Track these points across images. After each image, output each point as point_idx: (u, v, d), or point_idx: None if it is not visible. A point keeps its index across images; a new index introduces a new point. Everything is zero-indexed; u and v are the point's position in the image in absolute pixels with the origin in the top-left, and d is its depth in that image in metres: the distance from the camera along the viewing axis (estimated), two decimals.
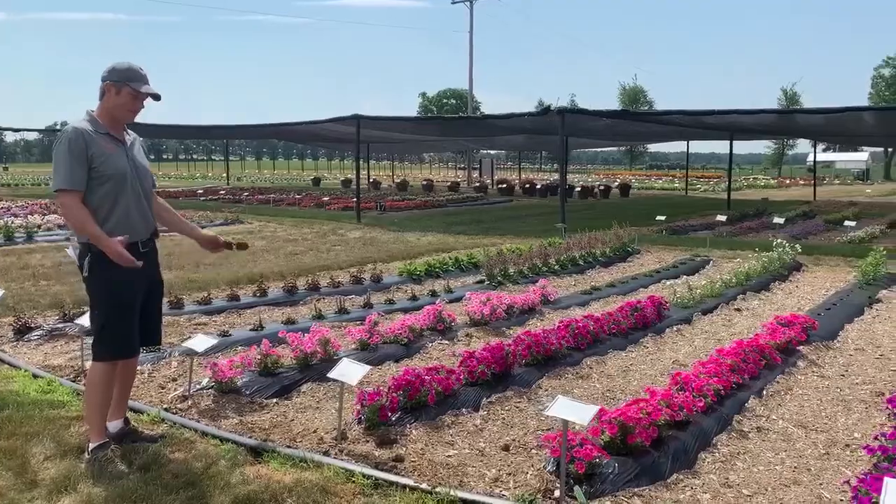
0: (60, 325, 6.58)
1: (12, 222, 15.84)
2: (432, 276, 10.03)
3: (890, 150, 75.64)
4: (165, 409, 4.62)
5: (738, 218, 19.45)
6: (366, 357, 5.68)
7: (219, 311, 7.60)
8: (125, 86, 3.78)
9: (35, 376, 5.38)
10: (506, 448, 4.01)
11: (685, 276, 10.42)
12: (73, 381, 5.27)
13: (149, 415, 4.52)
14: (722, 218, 16.03)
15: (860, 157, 78.85)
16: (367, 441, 4.05)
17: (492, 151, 48.04)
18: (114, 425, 4.08)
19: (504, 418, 4.53)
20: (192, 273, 10.29)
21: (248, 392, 4.85)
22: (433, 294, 8.52)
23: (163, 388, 5.13)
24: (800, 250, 10.75)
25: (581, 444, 3.52)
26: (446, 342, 6.40)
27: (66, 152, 3.64)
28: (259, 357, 5.05)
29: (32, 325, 6.53)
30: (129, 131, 4.00)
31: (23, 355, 5.98)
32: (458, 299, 8.55)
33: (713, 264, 11.51)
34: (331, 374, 4.01)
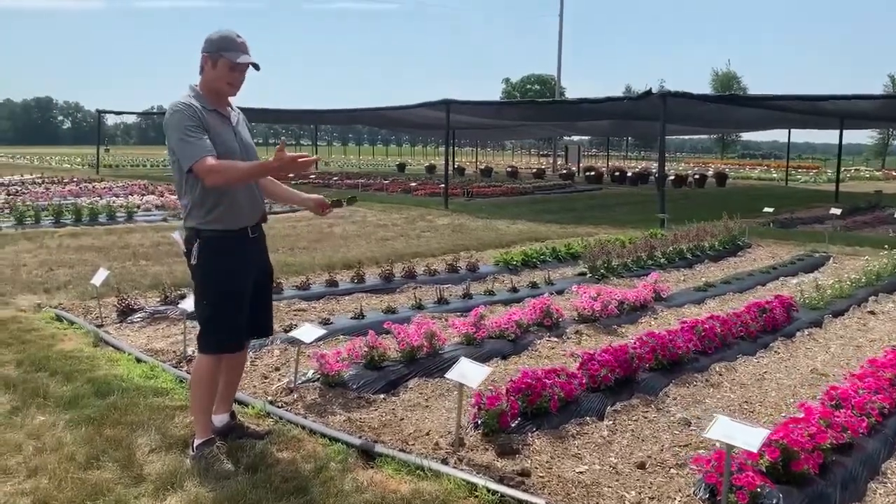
0: (162, 308, 6.52)
1: (114, 202, 16.31)
2: (529, 267, 9.63)
3: None
4: (271, 402, 4.41)
5: (850, 211, 18.18)
6: (472, 353, 5.35)
7: (317, 296, 7.43)
8: (220, 56, 3.48)
9: (138, 360, 5.30)
10: (641, 466, 3.60)
11: (803, 274, 9.67)
12: (176, 367, 5.15)
13: (254, 408, 4.32)
14: (836, 211, 14.92)
15: None
16: (487, 449, 3.71)
17: (575, 138, 46.95)
18: (220, 419, 3.88)
19: (633, 430, 4.10)
20: (289, 256, 10.23)
21: (354, 386, 4.60)
22: (533, 286, 8.12)
23: (266, 378, 4.94)
24: None
25: (740, 469, 3.07)
26: (555, 339, 6.00)
27: (183, 126, 3.35)
28: (366, 349, 4.79)
29: (135, 307, 6.50)
30: (233, 107, 3.72)
31: (126, 337, 5.93)
32: (560, 292, 8.12)
33: (833, 261, 10.65)
34: (450, 375, 3.69)
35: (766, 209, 15.57)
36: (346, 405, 4.40)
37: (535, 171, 38.38)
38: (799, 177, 42.92)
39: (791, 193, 27.88)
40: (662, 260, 9.93)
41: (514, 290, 7.88)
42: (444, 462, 3.56)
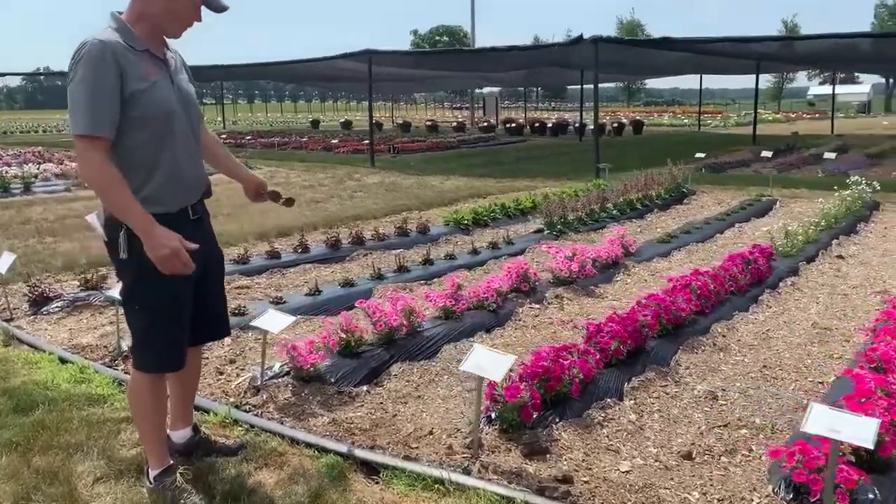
0: (83, 295, 5.64)
1: (6, 172, 14.74)
2: (480, 226, 9.09)
3: (891, 81, 74.21)
4: (236, 406, 3.71)
5: (773, 154, 18.41)
6: (453, 328, 4.80)
7: (259, 270, 6.66)
8: None
9: (63, 361, 4.47)
10: (688, 456, 3.14)
11: (755, 219, 9.53)
12: (111, 367, 4.36)
13: (216, 414, 3.62)
14: (768, 154, 15.03)
15: (862, 89, 77.13)
16: (510, 450, 3.16)
17: (486, 90, 46.32)
18: (180, 436, 3.18)
19: (660, 411, 3.64)
20: (214, 225, 9.29)
21: (332, 379, 3.95)
22: (493, 247, 7.59)
23: (221, 373, 4.23)
24: (878, 187, 9.80)
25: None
26: (537, 306, 5.50)
27: (88, 78, 2.46)
28: (341, 335, 4.13)
29: (51, 295, 5.58)
30: (169, 47, 2.83)
31: (44, 332, 5.05)
32: (521, 251, 7.63)
33: (780, 205, 10.58)
34: (465, 367, 3.09)
35: (698, 154, 15.54)
36: (327, 403, 3.76)
37: (454, 124, 37.68)
38: (709, 122, 43.84)
39: (708, 138, 28.28)
40: (615, 212, 9.58)
41: (475, 251, 7.32)
42: (467, 472, 2.99)
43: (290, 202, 3.32)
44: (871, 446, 2.36)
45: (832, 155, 14.48)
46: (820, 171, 14.63)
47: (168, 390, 3.08)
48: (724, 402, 3.73)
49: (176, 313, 2.79)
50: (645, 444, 3.28)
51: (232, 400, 3.82)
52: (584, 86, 29.95)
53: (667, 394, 3.85)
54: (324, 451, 3.25)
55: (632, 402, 3.72)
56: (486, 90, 46.05)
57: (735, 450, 3.19)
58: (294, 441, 3.35)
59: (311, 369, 3.85)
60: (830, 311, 5.39)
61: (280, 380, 3.93)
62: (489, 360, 3.07)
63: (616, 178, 12.86)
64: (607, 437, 3.32)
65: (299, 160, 19.40)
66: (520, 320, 5.20)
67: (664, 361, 4.24)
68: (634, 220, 9.55)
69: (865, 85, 76.96)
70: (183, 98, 2.78)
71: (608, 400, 3.66)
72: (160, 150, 2.68)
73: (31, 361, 4.48)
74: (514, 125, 33.88)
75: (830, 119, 33.14)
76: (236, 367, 4.31)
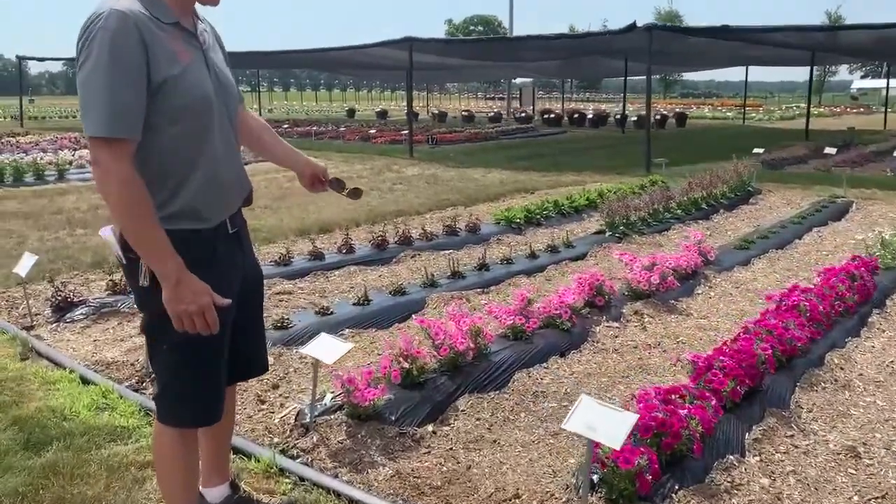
0: (110, 300, 5.12)
1: (41, 158, 14.41)
2: (533, 224, 8.45)
3: None
4: (282, 452, 3.13)
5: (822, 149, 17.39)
6: (524, 350, 4.19)
7: (302, 273, 6.10)
8: None
9: (85, 381, 3.94)
10: None
11: (833, 223, 8.75)
12: (138, 391, 3.82)
13: (259, 460, 3.05)
14: (831, 151, 14.11)
15: None
16: None
17: (519, 80, 45.36)
18: (216, 494, 2.61)
19: (794, 472, 2.99)
20: (251, 219, 8.74)
21: (393, 417, 3.35)
22: (552, 250, 6.94)
23: (263, 402, 3.67)
24: None
25: None
26: (615, 324, 4.85)
27: (105, 62, 1.87)
28: (403, 364, 3.53)
29: (76, 300, 5.08)
30: (201, 17, 2.25)
31: (66, 344, 4.55)
32: (583, 256, 6.98)
33: (856, 207, 9.76)
34: (571, 427, 2.46)
35: (756, 150, 14.67)
36: (388, 448, 3.17)
37: (490, 114, 36.92)
38: (752, 115, 42.51)
39: (756, 132, 27.20)
40: (679, 212, 8.85)
41: (533, 255, 6.68)
42: None
43: (356, 193, 2.73)
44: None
45: None
46: (889, 171, 13.70)
47: (199, 439, 2.50)
48: (870, 462, 3.07)
49: (213, 353, 2.21)
50: None
51: (276, 440, 3.25)
52: (628, 77, 29.10)
53: (796, 447, 3.19)
54: None
55: (757, 458, 3.08)
56: (519, 80, 45.22)
57: None
58: (353, 502, 2.77)
59: (370, 406, 3.26)
60: None
61: (332, 416, 3.35)
62: (602, 418, 2.44)
63: (668, 173, 12.12)
64: None
65: (336, 150, 18.90)
66: (597, 342, 4.56)
67: (783, 403, 3.58)
68: (700, 222, 8.82)
69: None
70: (220, 83, 2.19)
71: (730, 457, 3.02)
72: (197, 151, 2.09)
73: (50, 381, 3.95)
74: (552, 116, 33.05)
75: (884, 114, 31.69)
76: (280, 395, 3.75)
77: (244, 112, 2.48)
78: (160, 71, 1.97)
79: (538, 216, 8.60)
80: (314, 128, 24.58)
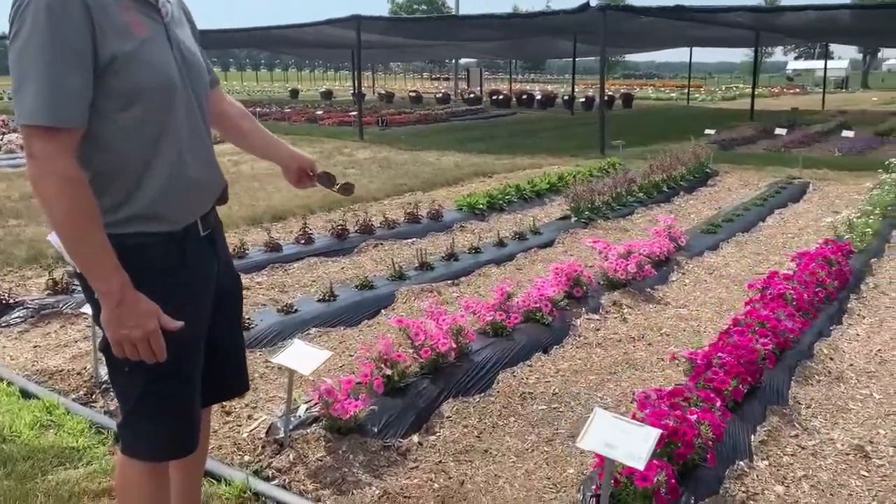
0: (51, 301, 4.69)
1: None
2: (496, 210, 8.22)
3: (868, 57, 74.40)
4: (255, 473, 2.83)
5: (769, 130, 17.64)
6: (506, 348, 3.96)
7: (259, 266, 5.74)
8: None
9: (26, 395, 3.55)
10: None
11: (792, 204, 8.77)
12: (87, 404, 3.45)
13: (230, 484, 2.74)
14: (782, 132, 14.28)
15: (840, 64, 77.03)
16: None
17: (463, 61, 44.92)
18: None
19: (806, 476, 2.84)
20: None
21: (375, 429, 3.08)
22: (520, 237, 6.73)
23: (228, 414, 3.35)
24: None
25: None
26: (595, 316, 4.66)
27: (41, 37, 1.56)
28: (385, 370, 3.25)
29: (11, 301, 4.63)
30: None
31: (2, 352, 4.12)
32: (551, 243, 6.79)
33: (813, 188, 9.82)
34: (587, 445, 2.22)
35: (708, 131, 14.75)
36: (373, 464, 2.90)
37: (438, 95, 36.49)
38: (696, 96, 43.11)
39: (702, 113, 27.51)
40: (641, 195, 8.74)
41: (501, 244, 6.45)
42: None
43: (347, 189, 2.40)
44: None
45: (850, 133, 13.75)
46: (837, 151, 13.91)
47: (170, 470, 2.18)
48: (881, 462, 2.94)
49: (183, 375, 1.89)
50: None
51: (248, 459, 2.94)
52: (555, 60, 29.02)
53: (803, 448, 3.04)
54: None
55: (766, 462, 2.91)
56: (463, 61, 44.85)
57: None
58: None
59: (352, 419, 2.97)
60: None
61: (308, 430, 3.05)
62: (619, 433, 2.21)
63: (624, 155, 12.04)
64: None
65: (283, 132, 18.18)
66: (579, 335, 4.36)
67: (782, 399, 3.44)
68: (662, 205, 8.74)
69: (843, 60, 76.93)
70: (186, 62, 1.84)
71: (740, 463, 2.84)
72: (157, 143, 1.74)
73: None
74: (500, 97, 32.84)
75: (822, 95, 32.50)
76: (247, 405, 3.43)
77: (219, 95, 2.14)
78: (108, 45, 1.63)
79: (501, 202, 8.38)
80: (258, 109, 23.81)
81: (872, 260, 6.00)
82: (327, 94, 36.67)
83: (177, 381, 1.87)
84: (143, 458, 1.93)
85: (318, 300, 4.79)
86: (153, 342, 1.70)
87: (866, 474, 2.85)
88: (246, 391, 2.28)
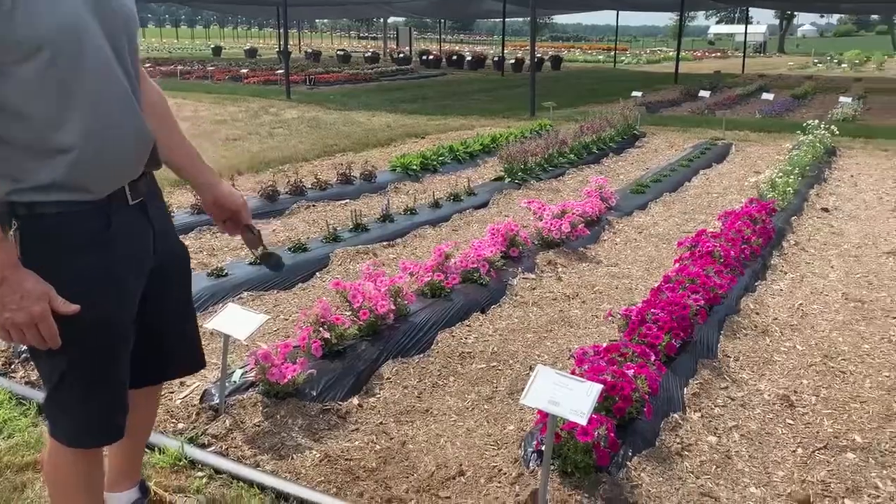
0: None
1: None
2: (429, 171, 8.15)
3: (784, 23, 77.05)
4: (191, 441, 2.74)
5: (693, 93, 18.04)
6: (444, 308, 3.94)
7: (185, 229, 5.51)
8: None
9: None
10: (806, 502, 2.44)
11: (716, 165, 9.02)
12: (6, 375, 3.28)
13: (164, 452, 2.65)
14: (705, 94, 14.63)
15: (758, 29, 79.28)
16: None
17: (391, 20, 44.21)
18: (123, 500, 2.21)
19: (737, 427, 2.94)
20: None
21: (313, 392, 3.03)
22: (455, 198, 6.70)
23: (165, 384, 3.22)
24: (837, 132, 9.43)
25: None
26: (531, 276, 4.70)
27: None
28: (323, 333, 3.18)
29: None
30: None
31: None
32: (486, 204, 6.79)
33: (736, 149, 10.11)
34: (532, 402, 2.23)
35: (635, 93, 14.95)
36: (312, 428, 2.85)
37: (367, 55, 35.84)
38: (623, 58, 43.67)
39: (629, 76, 27.93)
40: (572, 156, 8.82)
41: (437, 204, 6.41)
42: None
43: (270, 260, 2.19)
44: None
45: (770, 96, 14.18)
46: (757, 113, 14.35)
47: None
48: (806, 411, 3.07)
49: (108, 356, 1.76)
50: (742, 481, 2.56)
51: (182, 426, 2.85)
52: (501, 19, 28.90)
53: (733, 400, 3.15)
54: None
55: (699, 415, 3.00)
56: (392, 20, 44.20)
57: (858, 488, 2.53)
58: (280, 496, 2.44)
59: (290, 384, 2.91)
60: (851, 277, 4.84)
61: (244, 395, 2.98)
62: (563, 390, 2.23)
63: (554, 117, 12.12)
64: (694, 474, 2.59)
65: (205, 91, 17.66)
66: (516, 295, 4.39)
67: (712, 353, 3.55)
68: (592, 166, 8.85)
69: (761, 26, 79.30)
70: (102, 6, 1.63)
71: (674, 416, 2.92)
72: (66, 99, 1.57)
73: None
74: (430, 57, 32.50)
75: (742, 58, 33.40)
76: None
77: (139, 69, 1.85)
78: None
79: (434, 163, 8.31)
80: (179, 67, 22.87)
81: (793, 218, 6.23)
82: (252, 52, 35.57)
83: (99, 365, 1.75)
84: (67, 442, 1.82)
85: (250, 264, 4.66)
86: (42, 328, 1.56)
87: (791, 422, 2.97)
88: (200, 368, 2.14)
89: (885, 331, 3.93)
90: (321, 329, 3.20)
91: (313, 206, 6.49)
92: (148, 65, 24.96)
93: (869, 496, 2.48)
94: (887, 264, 5.11)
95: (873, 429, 2.92)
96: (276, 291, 4.41)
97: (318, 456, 2.67)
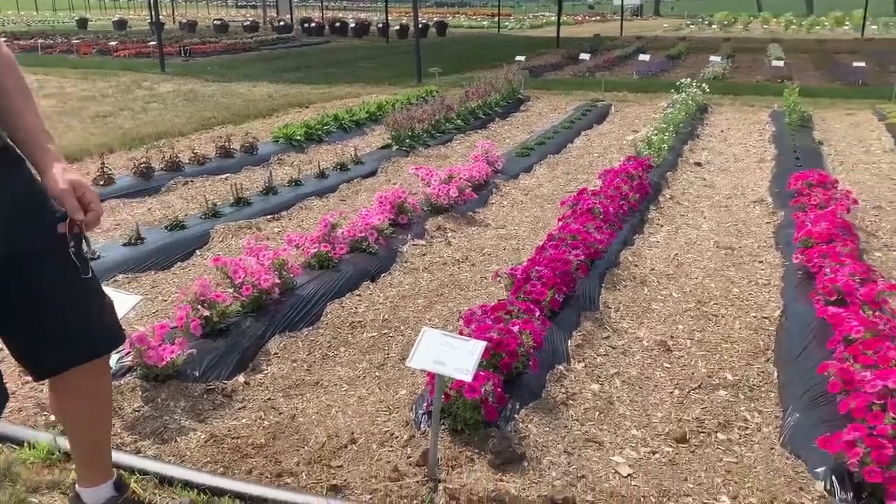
0: None
1: None
2: (314, 141, 7.98)
3: None
4: (63, 433, 2.59)
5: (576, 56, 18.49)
6: (332, 280, 3.89)
7: None
8: None
9: None
10: (683, 439, 2.57)
11: (597, 125, 9.28)
12: None
13: (35, 447, 2.49)
14: (585, 57, 15.02)
15: None
16: (473, 461, 2.39)
17: None
18: (93, 495, 2.08)
19: (618, 374, 3.05)
20: None
21: (196, 373, 2.92)
22: (341, 168, 6.59)
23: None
24: (708, 90, 9.90)
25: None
26: (421, 242, 4.69)
27: None
28: (199, 311, 3.07)
29: None
30: None
31: None
32: (374, 172, 6.72)
33: (615, 110, 10.42)
34: (418, 363, 2.22)
35: (519, 57, 15.13)
36: (196, 409, 2.75)
37: (246, 24, 34.53)
38: (507, 24, 44.06)
39: (512, 40, 28.20)
40: (459, 121, 8.85)
41: (323, 175, 6.29)
42: None
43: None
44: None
45: (646, 57, 14.69)
46: (635, 74, 14.84)
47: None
48: (682, 354, 3.23)
49: None
50: (624, 425, 2.67)
51: (54, 419, 2.69)
52: None
53: (614, 348, 3.27)
54: (213, 492, 2.29)
55: (582, 364, 3.10)
56: None
57: (729, 422, 2.68)
58: (164, 480, 2.35)
59: (169, 366, 2.79)
60: (722, 226, 5.11)
61: (122, 381, 2.84)
62: (448, 350, 2.24)
63: (440, 83, 12.10)
64: (579, 421, 2.67)
65: (71, 66, 16.54)
66: (406, 261, 4.38)
67: (594, 305, 3.67)
68: (479, 131, 8.91)
69: None
70: None
71: (559, 367, 3.00)
72: None
73: None
74: (313, 25, 31.72)
75: (620, 21, 34.39)
76: None
77: None
78: None
79: (319, 132, 8.14)
80: (40, 41, 21.26)
81: (668, 173, 6.50)
82: (121, 24, 33.52)
83: None
84: None
85: (124, 244, 4.43)
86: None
87: (668, 366, 3.12)
88: (74, 365, 1.87)
89: (752, 274, 4.18)
90: (201, 307, 3.08)
91: (191, 181, 6.23)
92: (3, 38, 23.08)
93: (739, 428, 2.64)
94: (754, 212, 5.43)
95: (742, 366, 3.11)
96: (153, 272, 4.22)
97: (203, 437, 2.58)
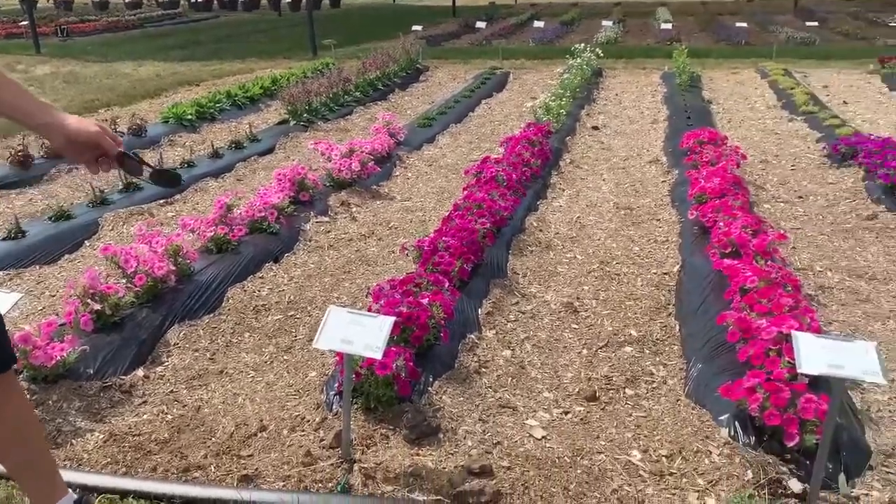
0: None
1: None
2: (207, 120, 7.67)
3: None
4: None
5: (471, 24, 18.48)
6: (233, 263, 3.75)
7: None
8: None
9: None
10: (593, 398, 2.61)
11: (497, 93, 9.31)
12: None
13: None
14: (482, 24, 14.98)
15: None
16: (388, 437, 2.35)
17: None
18: None
19: (528, 338, 3.08)
20: None
21: (90, 370, 2.75)
22: (237, 147, 6.36)
23: None
24: (602, 54, 10.07)
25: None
26: (325, 219, 4.58)
27: None
28: (89, 305, 2.88)
29: None
30: None
31: None
32: (272, 149, 6.52)
33: (513, 77, 10.48)
34: (324, 344, 2.14)
35: (415, 27, 14.97)
36: (92, 409, 2.60)
37: (130, 0, 32.72)
38: None
39: (408, 11, 27.89)
40: (357, 93, 8.69)
41: (217, 154, 6.04)
42: (346, 490, 2.13)
43: (164, 178, 1.84)
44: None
45: (541, 24, 14.83)
46: (531, 41, 14.96)
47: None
48: (587, 314, 3.28)
49: None
50: (537, 388, 2.69)
51: None
52: None
53: (524, 313, 3.29)
54: (115, 494, 2.17)
55: (494, 332, 3.11)
56: None
57: (636, 377, 2.75)
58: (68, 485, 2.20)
59: (59, 365, 2.62)
60: (621, 187, 5.23)
61: None
62: (355, 328, 2.17)
63: (337, 55, 11.85)
64: (492, 388, 2.67)
65: None
66: (310, 240, 4.27)
67: (502, 272, 3.68)
68: (380, 102, 8.79)
69: None
70: None
71: (471, 336, 3.00)
72: None
73: None
74: (201, 0, 30.39)
75: None
76: None
77: None
78: None
79: (212, 110, 7.83)
80: None
81: (567, 138, 6.60)
82: None
83: None
84: None
85: (2, 239, 4.13)
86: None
87: (576, 327, 3.17)
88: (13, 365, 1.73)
89: (651, 232, 4.29)
90: (91, 301, 2.90)
91: (76, 168, 5.86)
92: None
93: (646, 382, 2.71)
94: (650, 172, 5.58)
95: (646, 322, 3.19)
96: (38, 267, 3.95)
97: (101, 437, 2.44)
